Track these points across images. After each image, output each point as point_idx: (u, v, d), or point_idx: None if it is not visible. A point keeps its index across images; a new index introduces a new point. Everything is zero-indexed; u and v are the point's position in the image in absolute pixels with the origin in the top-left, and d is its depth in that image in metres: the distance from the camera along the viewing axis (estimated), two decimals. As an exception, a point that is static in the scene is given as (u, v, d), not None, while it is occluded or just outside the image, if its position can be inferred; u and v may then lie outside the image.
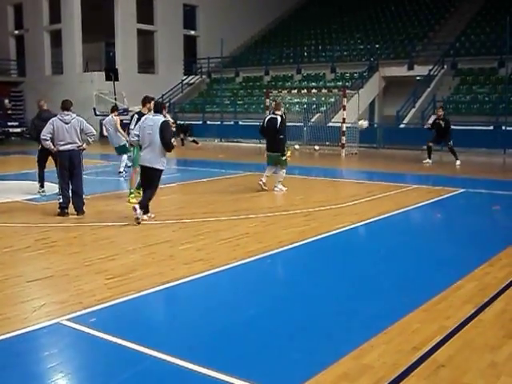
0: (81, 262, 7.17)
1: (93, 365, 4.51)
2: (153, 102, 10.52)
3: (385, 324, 5.11)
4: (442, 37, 30.97)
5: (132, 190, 11.37)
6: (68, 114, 10.04)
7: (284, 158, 12.73)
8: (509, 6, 28.93)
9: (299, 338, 4.92)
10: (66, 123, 9.95)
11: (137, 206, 9.27)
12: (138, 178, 10.51)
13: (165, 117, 9.81)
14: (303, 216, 10.06)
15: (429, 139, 18.34)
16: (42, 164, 12.27)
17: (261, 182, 12.62)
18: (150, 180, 9.50)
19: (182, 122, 26.53)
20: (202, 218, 9.82)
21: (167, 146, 9.25)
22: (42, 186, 12.40)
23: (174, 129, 25.09)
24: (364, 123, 16.80)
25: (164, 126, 9.21)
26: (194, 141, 24.76)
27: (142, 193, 10.39)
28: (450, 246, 8.32)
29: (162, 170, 9.46)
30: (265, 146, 13.36)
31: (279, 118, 12.38)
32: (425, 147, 18.93)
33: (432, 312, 5.47)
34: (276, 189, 12.70)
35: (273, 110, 12.89)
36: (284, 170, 12.85)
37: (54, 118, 10.05)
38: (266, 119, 12.75)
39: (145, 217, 9.49)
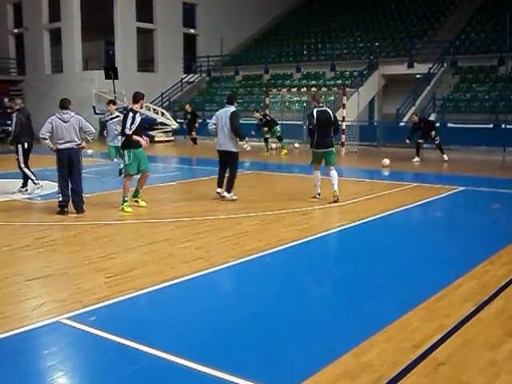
0: (80, 261, 7.17)
1: (92, 363, 4.51)
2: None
3: (384, 322, 5.11)
4: (442, 35, 30.95)
5: (126, 198, 10.39)
6: (67, 113, 10.03)
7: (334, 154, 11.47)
8: (509, 3, 28.88)
9: (299, 336, 4.92)
10: (65, 122, 9.94)
11: (221, 191, 11.23)
12: (130, 186, 10.48)
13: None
14: (303, 214, 10.06)
15: (450, 138, 18.70)
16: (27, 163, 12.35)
17: (318, 196, 11.39)
18: (227, 162, 11.27)
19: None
20: (202, 217, 9.81)
21: (236, 133, 11.06)
22: (24, 185, 12.41)
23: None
24: (386, 161, 16.88)
25: (233, 115, 11.01)
26: (193, 140, 24.74)
27: (137, 201, 10.62)
28: (450, 244, 8.32)
29: (235, 152, 11.24)
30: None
31: (330, 111, 11.36)
32: (426, 145, 19.01)
33: (432, 310, 5.47)
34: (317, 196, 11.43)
35: (314, 104, 11.43)
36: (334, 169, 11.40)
37: (52, 117, 10.03)
38: (316, 112, 11.13)
39: (227, 195, 11.16)
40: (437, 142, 18.62)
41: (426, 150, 21.64)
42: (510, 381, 4.12)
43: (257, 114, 21.87)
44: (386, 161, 16.87)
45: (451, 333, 4.92)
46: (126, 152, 10.37)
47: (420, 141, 18.84)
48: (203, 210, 10.33)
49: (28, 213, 10.47)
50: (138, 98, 10.48)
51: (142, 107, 10.45)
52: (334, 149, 11.40)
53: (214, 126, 11.32)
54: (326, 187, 11.66)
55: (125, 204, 10.34)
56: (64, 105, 10.09)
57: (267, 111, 23.38)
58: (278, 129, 21.86)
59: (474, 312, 5.40)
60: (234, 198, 11.20)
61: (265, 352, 4.63)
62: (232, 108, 11.25)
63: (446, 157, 18.48)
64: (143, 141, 10.34)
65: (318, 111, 11.19)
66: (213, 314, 5.53)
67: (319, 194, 11.35)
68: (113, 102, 14.38)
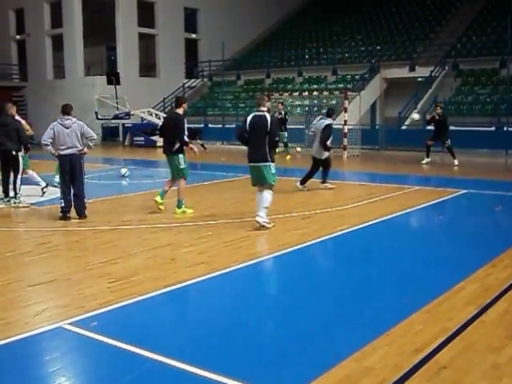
0: (83, 266, 7.18)
1: (95, 369, 4.51)
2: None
3: (386, 326, 5.10)
4: (444, 38, 30.95)
5: (183, 201, 10.46)
6: (68, 119, 10.05)
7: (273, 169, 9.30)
8: (510, 6, 28.84)
9: (300, 341, 4.92)
10: (67, 128, 9.95)
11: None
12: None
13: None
14: (305, 218, 10.06)
15: (452, 141, 18.24)
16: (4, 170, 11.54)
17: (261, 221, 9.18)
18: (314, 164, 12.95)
19: (192, 126, 26.29)
20: (204, 221, 9.81)
21: (322, 145, 12.73)
22: (6, 194, 11.56)
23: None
24: (416, 116, 16.26)
25: (325, 129, 12.67)
26: (202, 145, 24.58)
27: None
28: (452, 247, 8.31)
29: (320, 159, 13.04)
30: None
31: (269, 117, 9.12)
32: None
33: (434, 313, 5.46)
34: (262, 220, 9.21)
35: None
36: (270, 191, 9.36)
37: (54, 123, 10.05)
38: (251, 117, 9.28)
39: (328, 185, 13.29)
40: (447, 145, 18.17)
41: (432, 153, 21.64)
42: (513, 384, 4.12)
43: (281, 106, 21.95)
44: (416, 116, 16.58)
45: (454, 336, 4.91)
46: (181, 156, 10.34)
47: (429, 143, 18.43)
48: (205, 215, 10.33)
49: (30, 218, 10.48)
50: (181, 102, 10.52)
51: (185, 110, 10.44)
52: (268, 164, 9.13)
53: (312, 133, 13.82)
54: (327, 192, 11.61)
55: (183, 207, 10.45)
56: (66, 110, 10.11)
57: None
58: (286, 135, 21.93)
59: (476, 315, 5.38)
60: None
61: (266, 356, 4.62)
62: (327, 121, 13.46)
63: (456, 162, 17.98)
64: (195, 147, 10.82)
65: (253, 116, 9.19)
66: (215, 319, 5.53)
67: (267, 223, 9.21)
68: None
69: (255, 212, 9.26)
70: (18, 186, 11.52)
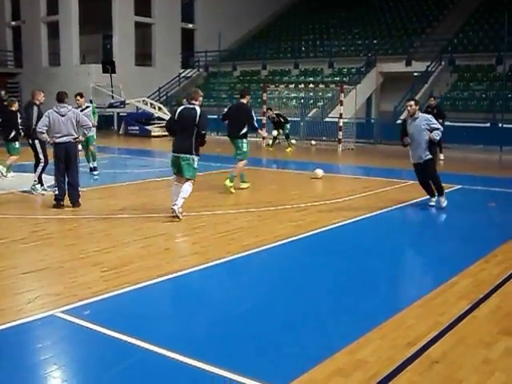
0: (76, 255, 7.16)
1: (87, 357, 4.50)
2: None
3: (379, 319, 5.11)
4: (440, 33, 30.94)
5: (234, 175, 11.85)
6: (64, 106, 10.00)
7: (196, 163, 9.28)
8: (507, 3, 28.87)
9: (293, 333, 4.92)
10: (62, 115, 9.91)
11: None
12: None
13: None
14: (299, 211, 10.05)
15: (447, 136, 17.96)
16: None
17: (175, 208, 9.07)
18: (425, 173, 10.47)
19: None
20: (198, 212, 9.80)
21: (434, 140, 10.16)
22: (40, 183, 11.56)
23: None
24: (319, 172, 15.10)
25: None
26: None
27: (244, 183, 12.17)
28: (446, 242, 8.32)
29: (430, 159, 10.30)
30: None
31: (198, 109, 9.21)
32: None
33: (427, 308, 5.47)
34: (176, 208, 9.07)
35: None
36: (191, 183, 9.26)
37: (49, 111, 10.00)
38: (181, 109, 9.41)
39: None
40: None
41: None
42: (504, 379, 4.13)
43: (270, 113, 21.98)
44: (319, 171, 14.14)
45: (446, 331, 4.92)
46: (245, 141, 11.85)
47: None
48: (199, 205, 10.31)
49: (24, 206, 10.44)
50: (245, 93, 12.21)
51: (248, 101, 12.11)
52: (192, 157, 9.11)
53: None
54: (321, 185, 11.64)
55: (241, 181, 12.13)
56: (61, 98, 10.06)
57: (264, 107, 23.36)
58: (288, 126, 21.91)
59: (468, 310, 5.40)
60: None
61: (259, 348, 4.62)
62: (424, 117, 10.57)
63: (442, 156, 18.10)
64: (264, 132, 13.19)
65: (183, 108, 9.33)
66: (207, 310, 5.53)
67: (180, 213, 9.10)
68: (80, 94, 13.97)
69: (172, 202, 9.11)
70: (37, 173, 11.46)
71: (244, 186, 12.18)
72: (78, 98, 13.64)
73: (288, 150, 21.23)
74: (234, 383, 4.00)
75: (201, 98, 9.51)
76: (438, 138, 10.04)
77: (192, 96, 9.40)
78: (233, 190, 11.58)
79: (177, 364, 4.30)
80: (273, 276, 6.74)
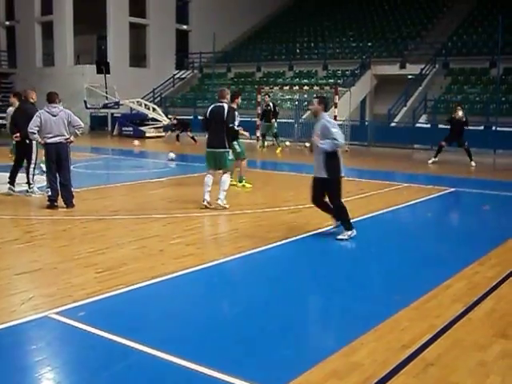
0: (70, 256, 7.13)
1: (81, 359, 4.48)
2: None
3: (374, 322, 5.11)
4: (435, 36, 31.04)
5: (244, 178, 12.45)
6: (55, 107, 9.95)
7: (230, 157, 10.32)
8: (501, 6, 29.03)
9: (288, 335, 4.91)
10: (54, 116, 9.86)
11: None
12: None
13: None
14: (294, 213, 10.05)
15: (441, 139, 17.81)
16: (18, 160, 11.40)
17: (205, 202, 10.05)
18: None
19: (182, 118, 26.04)
20: (193, 213, 9.78)
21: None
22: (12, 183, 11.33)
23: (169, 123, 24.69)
24: (171, 155, 16.37)
25: None
26: (192, 138, 24.43)
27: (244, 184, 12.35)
28: (440, 244, 8.33)
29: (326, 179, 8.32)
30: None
31: (226, 106, 10.11)
32: (417, 146, 18.86)
33: (421, 310, 5.47)
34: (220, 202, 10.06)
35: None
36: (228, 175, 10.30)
37: (41, 111, 9.95)
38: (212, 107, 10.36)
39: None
40: (466, 146, 17.38)
41: (421, 150, 21.79)
42: (499, 382, 4.13)
43: (266, 99, 21.86)
44: (171, 154, 17.10)
45: (441, 333, 4.92)
46: (236, 142, 11.65)
47: (443, 143, 17.63)
48: (194, 207, 10.29)
49: (17, 206, 10.39)
50: (235, 96, 11.36)
51: (238, 105, 11.46)
52: (225, 150, 10.02)
53: None
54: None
55: (244, 182, 12.42)
56: (52, 98, 10.01)
57: (258, 108, 23.34)
58: (276, 125, 21.90)
59: (463, 313, 5.40)
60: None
61: (254, 351, 4.61)
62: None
63: (473, 163, 17.38)
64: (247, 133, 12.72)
65: (213, 106, 10.25)
66: (202, 312, 5.51)
67: (209, 203, 10.00)
68: (14, 93, 13.58)
69: (203, 196, 10.03)
70: (31, 175, 11.29)
71: (248, 186, 12.47)
72: (12, 97, 12.94)
73: (278, 150, 21.26)
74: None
75: (228, 96, 10.48)
76: (325, 146, 7.94)
77: (220, 94, 10.40)
78: (248, 185, 12.31)
79: (171, 366, 4.28)
80: (267, 278, 6.73)
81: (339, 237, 8.12)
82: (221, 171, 10.17)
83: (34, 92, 11.71)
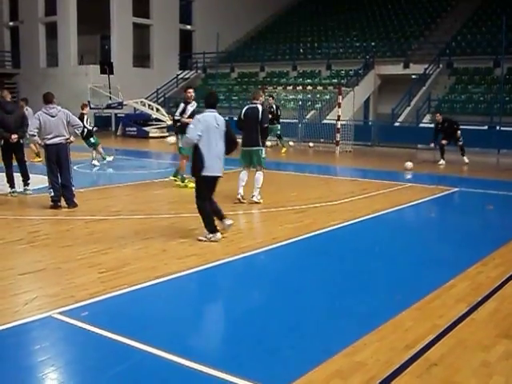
0: (73, 256, 7.13)
1: (84, 359, 4.48)
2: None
3: (378, 322, 5.10)
4: (438, 36, 30.97)
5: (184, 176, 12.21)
6: (53, 107, 9.93)
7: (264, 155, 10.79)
8: (505, 6, 28.96)
9: (292, 335, 4.91)
10: (53, 116, 9.84)
11: None
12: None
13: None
14: (297, 213, 10.04)
15: (440, 138, 17.92)
16: (8, 162, 11.13)
17: (239, 196, 10.64)
18: None
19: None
20: (196, 214, 9.75)
21: None
22: (12, 186, 11.21)
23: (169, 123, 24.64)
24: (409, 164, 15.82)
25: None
26: None
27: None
28: (444, 244, 8.32)
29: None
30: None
31: (260, 107, 10.60)
32: (420, 146, 18.80)
33: (425, 310, 5.46)
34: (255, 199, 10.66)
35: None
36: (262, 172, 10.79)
37: (39, 112, 9.93)
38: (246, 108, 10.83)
39: None
40: (460, 144, 17.86)
41: (425, 150, 21.75)
42: (503, 382, 4.13)
43: (270, 100, 21.53)
44: (409, 164, 16.05)
45: (444, 333, 4.91)
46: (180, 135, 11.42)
47: (443, 142, 17.90)
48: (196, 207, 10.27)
49: (21, 207, 10.41)
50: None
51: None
52: (259, 148, 10.55)
53: None
54: (319, 187, 11.63)
55: (186, 181, 12.16)
56: (48, 99, 9.97)
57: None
58: (279, 127, 21.84)
59: (467, 313, 5.40)
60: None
61: (257, 351, 4.61)
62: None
63: (466, 159, 17.86)
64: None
65: (247, 108, 10.76)
66: (206, 312, 5.52)
67: (242, 197, 10.60)
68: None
69: (237, 194, 10.57)
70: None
71: (191, 186, 11.13)
72: None
73: (283, 150, 21.25)
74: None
75: (261, 98, 11.10)
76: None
77: (254, 96, 11.02)
78: (191, 185, 11.11)
79: (175, 366, 4.28)
80: (271, 278, 6.73)
81: (199, 237, 7.93)
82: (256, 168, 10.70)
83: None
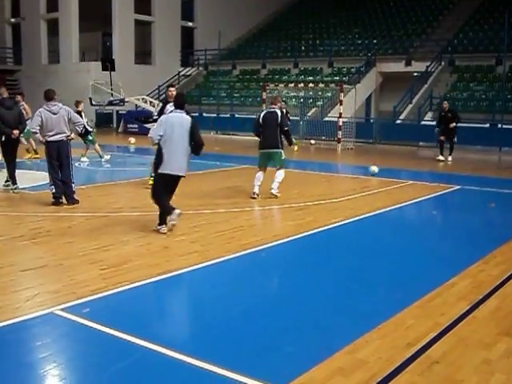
0: (75, 252, 7.13)
1: (86, 355, 4.48)
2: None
3: (379, 319, 5.10)
4: (440, 33, 30.94)
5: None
6: (55, 104, 9.91)
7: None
8: (507, 3, 28.89)
9: (293, 332, 4.91)
10: (54, 113, 9.83)
11: None
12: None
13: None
14: (299, 210, 10.04)
15: (440, 130, 18.16)
16: (9, 158, 11.08)
17: (254, 195, 11.02)
18: None
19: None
20: (198, 210, 9.78)
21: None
22: (14, 182, 11.11)
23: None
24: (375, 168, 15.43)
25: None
26: None
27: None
28: (445, 242, 8.32)
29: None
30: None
31: (279, 112, 11.07)
32: (422, 143, 18.83)
33: (426, 308, 5.46)
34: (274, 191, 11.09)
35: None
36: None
37: (40, 109, 9.92)
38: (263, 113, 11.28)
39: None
40: (454, 141, 18.07)
41: (426, 148, 21.74)
42: (504, 380, 4.12)
43: (284, 105, 21.47)
44: (374, 168, 14.94)
45: (446, 331, 4.91)
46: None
47: (442, 138, 18.15)
48: (199, 204, 10.30)
49: (22, 203, 10.41)
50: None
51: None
52: (279, 150, 11.03)
53: None
54: (321, 184, 11.62)
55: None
56: (50, 96, 9.95)
57: (263, 105, 23.32)
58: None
59: (468, 311, 5.39)
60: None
61: (259, 348, 4.61)
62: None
63: (450, 158, 18.09)
64: None
65: (266, 112, 11.27)
66: (207, 309, 5.51)
67: (257, 195, 10.97)
68: None
69: (251, 190, 10.98)
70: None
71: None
72: None
73: (295, 148, 21.10)
74: (235, 383, 3.98)
75: (279, 104, 11.65)
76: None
77: (272, 101, 11.67)
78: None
79: (176, 362, 4.28)
80: (272, 275, 6.73)
81: (154, 228, 8.23)
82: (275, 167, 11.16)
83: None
